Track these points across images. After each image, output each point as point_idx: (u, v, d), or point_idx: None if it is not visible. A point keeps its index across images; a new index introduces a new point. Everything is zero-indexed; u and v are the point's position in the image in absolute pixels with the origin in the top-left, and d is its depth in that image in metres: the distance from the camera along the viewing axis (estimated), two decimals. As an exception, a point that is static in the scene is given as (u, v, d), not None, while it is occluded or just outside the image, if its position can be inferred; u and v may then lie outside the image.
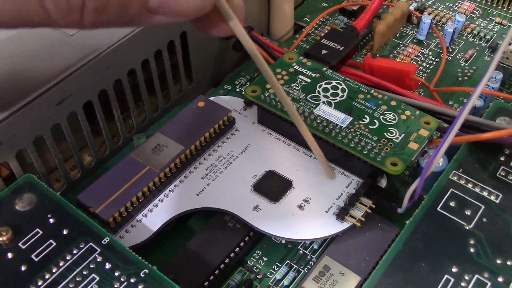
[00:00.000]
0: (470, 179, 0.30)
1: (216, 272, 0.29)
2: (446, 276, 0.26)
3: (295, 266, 0.30)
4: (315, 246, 0.31)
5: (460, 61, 0.43)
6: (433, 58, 0.43)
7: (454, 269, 0.26)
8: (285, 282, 0.30)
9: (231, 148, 0.34)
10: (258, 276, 0.30)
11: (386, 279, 0.26)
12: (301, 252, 0.31)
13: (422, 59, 0.43)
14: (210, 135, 0.34)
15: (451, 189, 0.29)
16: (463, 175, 0.30)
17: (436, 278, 0.26)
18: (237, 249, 0.30)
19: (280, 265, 0.30)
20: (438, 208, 0.28)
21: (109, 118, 0.35)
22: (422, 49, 0.44)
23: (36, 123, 0.30)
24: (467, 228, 0.28)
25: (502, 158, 0.31)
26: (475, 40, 0.45)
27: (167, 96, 0.39)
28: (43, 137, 0.31)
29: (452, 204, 0.29)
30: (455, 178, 0.30)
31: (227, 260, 0.30)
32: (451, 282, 0.25)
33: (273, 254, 0.31)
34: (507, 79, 0.41)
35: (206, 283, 0.29)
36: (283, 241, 0.32)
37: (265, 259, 0.31)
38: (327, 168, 0.31)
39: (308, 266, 0.30)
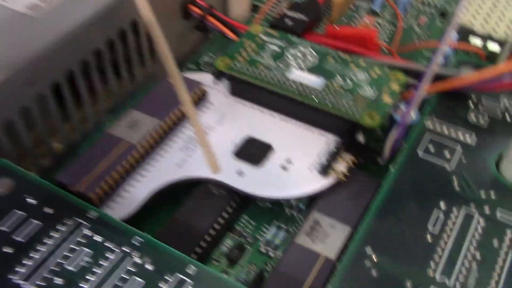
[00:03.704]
0: (445, 125, 0.31)
1: (207, 238, 0.29)
2: (435, 211, 0.26)
3: (283, 226, 0.31)
4: (301, 206, 0.31)
5: (415, 29, 0.45)
6: (390, 27, 0.45)
7: (442, 205, 0.27)
8: (276, 241, 0.30)
9: (206, 121, 0.34)
10: (249, 240, 0.30)
11: (379, 221, 0.26)
12: (288, 213, 0.31)
13: (379, 29, 0.45)
14: (185, 108, 0.33)
15: (429, 136, 0.30)
16: (437, 122, 0.31)
17: (426, 215, 0.26)
18: (225, 215, 0.30)
19: (269, 227, 0.30)
20: (419, 154, 0.29)
21: (78, 103, 0.34)
22: (378, 20, 0.45)
23: (4, 106, 0.29)
24: (449, 169, 0.29)
25: (471, 104, 0.32)
26: (425, 8, 0.47)
27: (133, 79, 0.39)
28: (13, 121, 0.30)
29: (431, 149, 0.30)
30: (430, 126, 0.31)
31: (216, 226, 0.29)
32: (441, 215, 0.26)
33: (260, 218, 0.31)
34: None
35: (198, 249, 0.28)
36: (269, 205, 0.32)
37: (253, 223, 0.31)
38: (211, 158, 0.27)
39: (296, 225, 0.31)
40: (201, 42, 0.44)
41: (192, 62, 0.41)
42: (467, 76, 0.32)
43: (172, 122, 0.32)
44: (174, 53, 0.42)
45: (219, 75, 0.36)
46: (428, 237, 0.26)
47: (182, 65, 0.42)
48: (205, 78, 0.37)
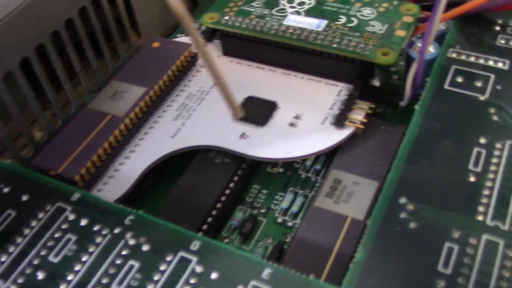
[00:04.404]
0: (471, 53, 0.27)
1: (214, 213, 0.25)
2: (476, 149, 0.22)
3: (300, 191, 0.27)
4: (318, 167, 0.27)
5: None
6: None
7: (482, 140, 0.23)
8: (294, 209, 0.26)
9: (200, 85, 0.30)
10: (262, 211, 0.26)
11: (410, 166, 0.22)
12: (303, 176, 0.27)
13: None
14: (173, 73, 0.29)
15: (454, 66, 0.26)
16: (462, 51, 0.27)
17: (464, 153, 0.22)
18: (231, 185, 0.26)
19: (283, 195, 0.27)
20: (446, 86, 0.25)
21: (57, 85, 0.31)
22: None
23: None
24: (483, 98, 0.24)
25: (497, 28, 0.28)
26: None
27: (116, 55, 0.35)
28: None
29: (459, 79, 0.25)
30: (454, 55, 0.27)
31: (223, 198, 0.25)
32: (484, 153, 0.22)
33: (272, 185, 0.27)
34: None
35: (205, 226, 0.24)
36: (281, 170, 0.28)
37: (264, 192, 0.27)
38: (233, 103, 0.23)
39: (315, 189, 0.27)
40: (191, 10, 0.40)
41: (181, 31, 0.37)
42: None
43: (160, 90, 0.29)
44: (161, 24, 0.39)
45: (209, 35, 0.32)
46: (471, 177, 0.22)
47: (170, 35, 0.38)
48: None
